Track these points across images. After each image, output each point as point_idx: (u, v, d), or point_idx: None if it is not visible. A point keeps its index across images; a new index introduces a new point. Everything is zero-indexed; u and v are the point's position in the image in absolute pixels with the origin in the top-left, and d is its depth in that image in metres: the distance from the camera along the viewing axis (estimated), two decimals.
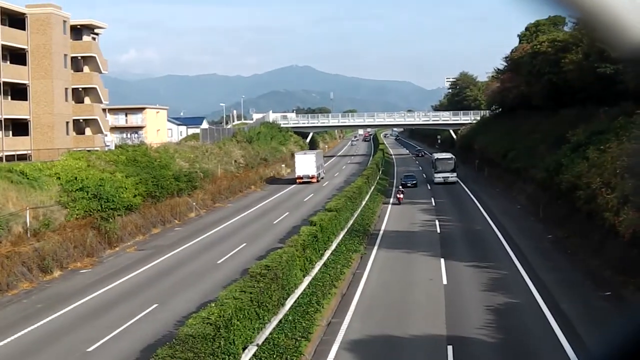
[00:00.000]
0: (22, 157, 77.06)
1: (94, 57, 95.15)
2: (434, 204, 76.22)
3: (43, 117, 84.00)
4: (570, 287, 37.76)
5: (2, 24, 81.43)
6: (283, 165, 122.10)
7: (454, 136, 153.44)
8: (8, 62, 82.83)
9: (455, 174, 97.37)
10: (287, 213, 72.03)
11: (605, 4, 3.00)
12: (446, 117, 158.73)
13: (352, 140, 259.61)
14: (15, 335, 33.33)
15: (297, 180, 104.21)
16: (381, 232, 59.06)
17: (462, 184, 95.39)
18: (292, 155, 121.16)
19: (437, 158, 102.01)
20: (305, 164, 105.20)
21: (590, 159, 49.54)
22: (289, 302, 32.12)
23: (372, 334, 30.99)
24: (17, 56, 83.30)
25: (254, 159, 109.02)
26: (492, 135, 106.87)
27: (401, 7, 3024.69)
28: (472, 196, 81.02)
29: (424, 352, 28.79)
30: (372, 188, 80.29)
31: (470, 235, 56.23)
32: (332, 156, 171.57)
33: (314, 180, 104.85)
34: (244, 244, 55.30)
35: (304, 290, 35.19)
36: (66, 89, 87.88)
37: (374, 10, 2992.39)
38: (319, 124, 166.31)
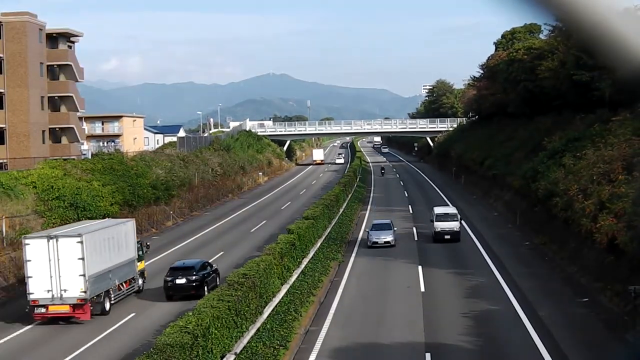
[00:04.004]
0: None
1: (70, 65, 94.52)
2: (411, 211, 76.31)
3: (19, 125, 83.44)
4: (547, 293, 37.88)
5: None
6: (260, 174, 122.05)
7: (431, 144, 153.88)
8: None
9: None
10: (265, 221, 71.92)
11: (611, 25, 3.01)
12: (423, 125, 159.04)
13: (335, 144, 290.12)
14: None
15: (314, 162, 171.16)
16: (359, 239, 59.07)
17: (439, 191, 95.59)
18: (270, 163, 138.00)
19: None
20: (318, 154, 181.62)
21: (567, 166, 49.77)
22: (267, 311, 32.05)
23: (350, 341, 30.95)
24: None
25: (231, 167, 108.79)
26: (469, 143, 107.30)
27: (378, 17, 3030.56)
28: (449, 203, 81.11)
29: (402, 359, 28.79)
30: (350, 196, 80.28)
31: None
32: (309, 164, 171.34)
33: (323, 163, 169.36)
34: (222, 253, 55.15)
35: (282, 298, 35.11)
36: (42, 97, 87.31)
37: (352, 21, 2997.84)
38: (296, 132, 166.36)
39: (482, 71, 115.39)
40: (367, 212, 76.68)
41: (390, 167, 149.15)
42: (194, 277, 40.26)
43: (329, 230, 56.30)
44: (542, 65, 72.38)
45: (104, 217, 58.31)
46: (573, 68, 60.00)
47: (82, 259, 36.09)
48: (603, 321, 31.65)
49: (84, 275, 36.00)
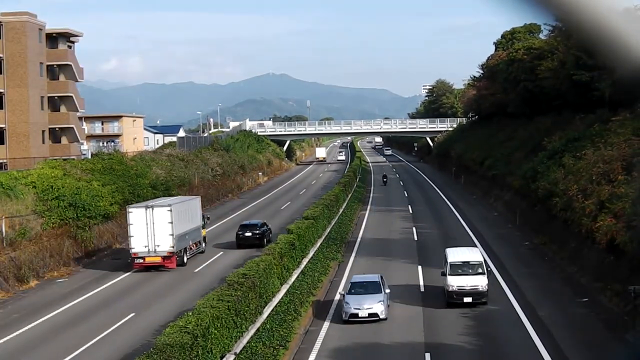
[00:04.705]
0: None
1: (70, 65, 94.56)
2: (411, 211, 76.26)
3: (19, 125, 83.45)
4: (547, 293, 37.88)
5: None
6: (260, 174, 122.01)
7: (431, 144, 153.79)
8: None
9: None
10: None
11: (611, 26, 3.01)
12: (423, 125, 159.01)
13: (335, 143, 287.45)
14: None
15: (317, 160, 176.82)
16: (359, 239, 59.04)
17: (439, 191, 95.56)
18: (270, 163, 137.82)
19: None
20: (321, 151, 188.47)
21: (567, 166, 49.78)
22: (267, 311, 32.04)
23: (350, 341, 30.95)
24: None
25: (231, 167, 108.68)
26: (469, 143, 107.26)
27: (378, 17, 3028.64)
28: (449, 203, 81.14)
29: (401, 359, 28.79)
30: (350, 196, 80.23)
31: (447, 242, 56.16)
32: (310, 163, 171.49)
33: (325, 160, 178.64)
34: (222, 252, 55.15)
35: (282, 298, 35.11)
36: (42, 97, 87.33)
37: (352, 21, 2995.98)
38: (296, 132, 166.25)
39: (482, 71, 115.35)
40: (367, 212, 76.65)
41: (390, 168, 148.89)
42: (257, 232, 57.06)
43: (328, 230, 56.29)
44: (542, 65, 72.39)
45: (104, 217, 58.51)
46: (573, 68, 60.00)
47: (171, 222, 48.16)
48: (603, 321, 31.66)
49: (172, 234, 48.06)
